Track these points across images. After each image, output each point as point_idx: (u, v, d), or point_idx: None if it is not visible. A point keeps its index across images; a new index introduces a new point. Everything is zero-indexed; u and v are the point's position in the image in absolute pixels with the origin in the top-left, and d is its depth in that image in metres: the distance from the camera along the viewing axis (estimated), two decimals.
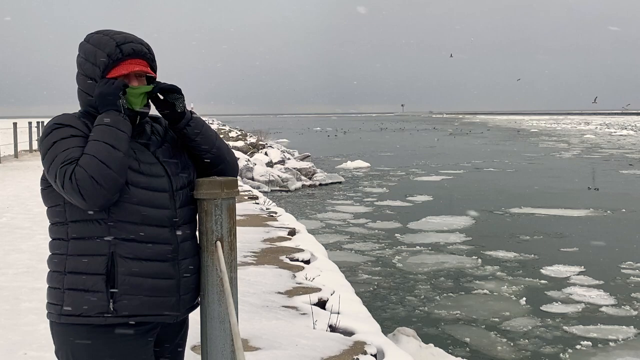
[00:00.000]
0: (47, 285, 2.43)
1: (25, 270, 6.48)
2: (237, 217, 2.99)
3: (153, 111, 2.60)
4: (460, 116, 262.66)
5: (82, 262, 2.33)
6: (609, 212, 18.78)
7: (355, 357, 4.49)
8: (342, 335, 5.00)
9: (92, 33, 2.48)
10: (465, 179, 28.10)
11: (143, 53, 2.46)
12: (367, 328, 5.31)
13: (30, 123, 27.32)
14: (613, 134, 74.07)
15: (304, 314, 5.41)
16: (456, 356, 7.77)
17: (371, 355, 4.65)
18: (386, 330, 5.60)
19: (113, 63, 2.40)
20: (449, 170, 31.61)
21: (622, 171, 31.05)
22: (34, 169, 18.50)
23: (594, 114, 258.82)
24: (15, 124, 23.50)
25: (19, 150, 23.73)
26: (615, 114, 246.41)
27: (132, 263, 2.34)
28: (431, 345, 7.40)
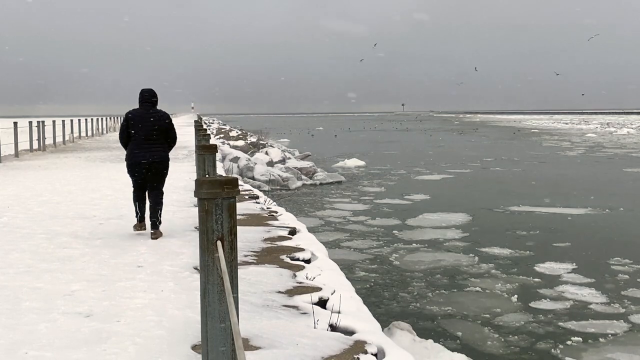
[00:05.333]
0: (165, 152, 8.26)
1: (26, 270, 6.48)
2: (238, 217, 2.99)
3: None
4: (461, 115, 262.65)
5: None
6: (607, 210, 18.78)
7: (356, 356, 4.49)
8: (342, 335, 5.00)
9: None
10: (470, 177, 28.09)
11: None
12: (367, 327, 5.30)
13: (30, 122, 27.28)
14: (614, 133, 74.09)
15: (304, 313, 5.40)
16: (448, 349, 7.79)
17: (372, 354, 4.64)
18: (381, 325, 5.63)
19: None
20: (456, 170, 31.54)
21: (626, 169, 31.10)
22: (35, 168, 18.48)
23: (592, 112, 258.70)
24: (15, 124, 23.46)
25: (19, 149, 23.71)
26: (613, 112, 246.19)
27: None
28: (424, 340, 7.44)
